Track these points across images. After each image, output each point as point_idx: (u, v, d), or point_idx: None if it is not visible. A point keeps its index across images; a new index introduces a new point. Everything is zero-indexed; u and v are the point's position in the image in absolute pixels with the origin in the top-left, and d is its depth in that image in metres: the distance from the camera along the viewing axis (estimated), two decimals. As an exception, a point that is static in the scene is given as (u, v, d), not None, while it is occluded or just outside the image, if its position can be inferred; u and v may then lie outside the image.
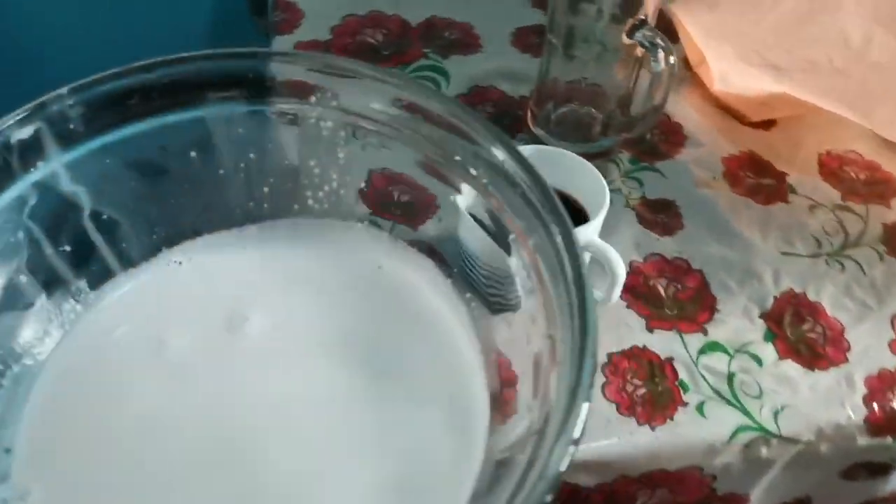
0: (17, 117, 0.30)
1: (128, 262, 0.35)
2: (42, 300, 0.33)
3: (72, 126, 0.32)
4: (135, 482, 0.32)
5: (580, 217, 0.55)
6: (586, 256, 0.54)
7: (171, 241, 0.36)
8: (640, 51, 0.60)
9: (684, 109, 0.72)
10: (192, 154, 0.35)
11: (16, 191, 0.31)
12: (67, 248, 0.33)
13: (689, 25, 0.72)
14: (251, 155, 0.36)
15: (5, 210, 0.31)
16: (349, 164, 0.37)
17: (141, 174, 0.35)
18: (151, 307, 0.36)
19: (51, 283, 0.33)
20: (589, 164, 0.54)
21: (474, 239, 0.41)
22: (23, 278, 0.32)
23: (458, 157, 0.35)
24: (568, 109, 0.67)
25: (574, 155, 0.55)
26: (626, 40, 0.60)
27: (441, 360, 0.37)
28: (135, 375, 0.34)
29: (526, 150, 0.55)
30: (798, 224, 0.63)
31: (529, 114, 0.69)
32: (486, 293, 0.41)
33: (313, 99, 0.35)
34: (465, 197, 0.39)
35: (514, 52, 0.76)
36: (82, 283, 0.33)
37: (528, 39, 0.77)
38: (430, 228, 0.44)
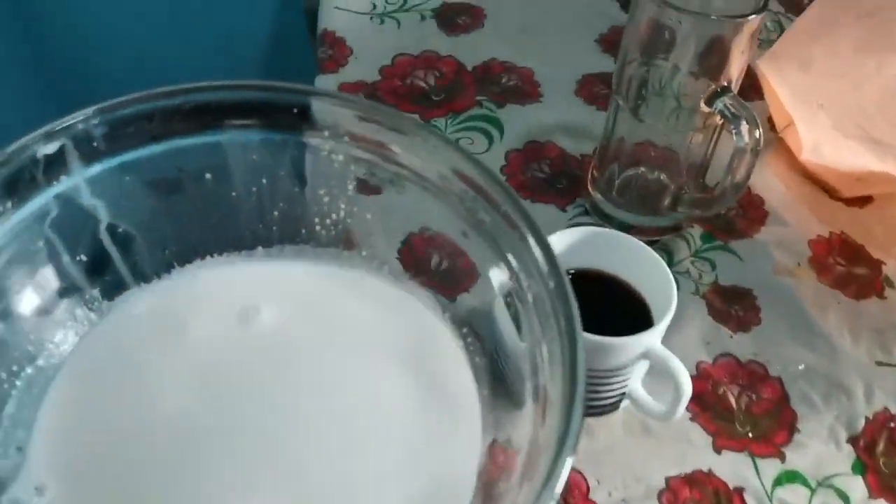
0: (45, 133, 0.33)
1: (140, 275, 0.37)
2: (57, 306, 0.34)
3: (95, 144, 0.34)
4: (154, 480, 0.33)
5: (636, 304, 0.48)
6: (645, 364, 0.46)
7: (183, 257, 0.38)
8: (719, 115, 0.53)
9: (767, 179, 0.64)
10: (207, 176, 0.37)
11: (39, 202, 0.33)
12: (83, 258, 0.35)
13: (778, 86, 0.64)
14: (263, 180, 0.37)
15: (29, 220, 0.33)
16: (357, 197, 0.39)
17: (157, 192, 0.37)
18: (168, 313, 0.37)
19: (66, 291, 0.35)
20: (656, 256, 0.47)
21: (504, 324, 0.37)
22: (41, 285, 0.34)
23: (488, 227, 0.35)
24: (634, 174, 0.60)
25: (640, 242, 0.48)
26: (705, 108, 0.52)
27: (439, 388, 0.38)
28: (153, 375, 0.35)
29: (581, 231, 0.48)
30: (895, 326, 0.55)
31: (590, 176, 0.61)
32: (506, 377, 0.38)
33: (326, 133, 0.36)
34: (498, 274, 0.37)
35: (577, 103, 0.69)
36: (96, 292, 0.35)
37: (595, 89, 0.70)
38: (466, 300, 0.41)
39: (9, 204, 0.33)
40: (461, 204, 0.36)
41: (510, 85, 0.70)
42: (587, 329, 0.43)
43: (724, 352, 0.53)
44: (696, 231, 0.60)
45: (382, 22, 0.74)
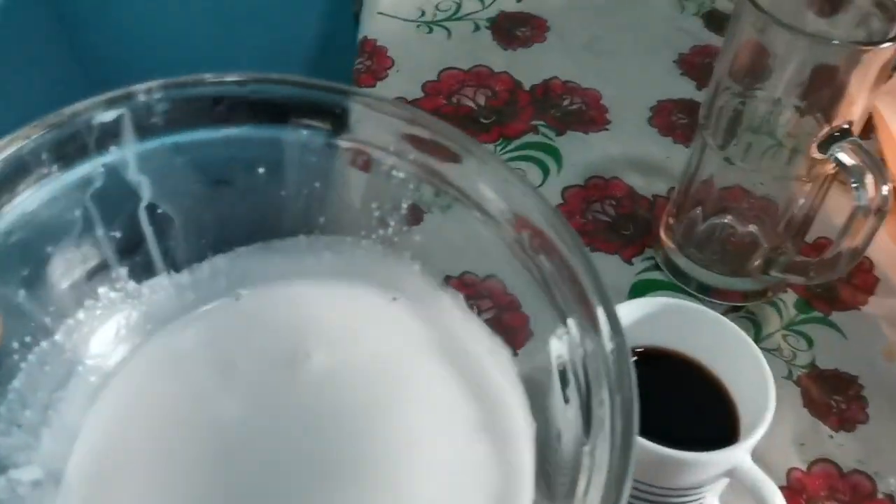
0: (106, 100, 0.32)
1: (171, 261, 0.37)
2: (82, 280, 0.34)
3: (153, 119, 0.33)
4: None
5: (717, 397, 0.38)
6: (723, 481, 0.36)
7: (218, 249, 0.37)
8: (833, 164, 0.43)
9: (877, 237, 0.53)
10: (260, 170, 0.36)
11: (86, 170, 0.33)
12: (117, 235, 0.34)
13: (894, 124, 0.53)
14: (316, 184, 0.37)
15: (71, 186, 0.32)
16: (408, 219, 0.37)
17: (206, 178, 0.37)
18: (212, 342, 0.37)
19: (94, 266, 0.34)
20: (751, 344, 0.37)
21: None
22: (68, 255, 0.33)
23: (548, 281, 0.32)
24: (719, 225, 0.50)
25: (732, 325, 0.38)
26: (816, 154, 0.42)
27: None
28: (198, 396, 0.35)
29: (654, 304, 0.39)
30: None
31: (664, 223, 0.52)
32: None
33: (392, 148, 0.35)
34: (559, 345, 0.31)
35: (651, 133, 0.60)
36: (123, 272, 0.35)
37: (672, 118, 0.60)
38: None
39: (55, 167, 0.32)
40: (521, 249, 0.33)
41: (573, 108, 0.61)
42: (655, 433, 0.34)
43: (822, 456, 0.43)
44: (788, 297, 0.50)
45: (430, 31, 0.65)
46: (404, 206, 0.37)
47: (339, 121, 0.36)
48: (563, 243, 0.31)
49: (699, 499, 0.37)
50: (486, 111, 0.60)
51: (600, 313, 0.28)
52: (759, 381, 0.36)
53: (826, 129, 0.41)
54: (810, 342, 0.48)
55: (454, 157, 0.35)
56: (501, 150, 0.57)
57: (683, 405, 0.39)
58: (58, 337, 0.33)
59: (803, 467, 0.42)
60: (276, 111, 0.35)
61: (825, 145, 0.41)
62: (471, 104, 0.60)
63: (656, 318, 0.39)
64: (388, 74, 0.62)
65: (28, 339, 0.32)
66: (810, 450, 0.43)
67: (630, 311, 0.39)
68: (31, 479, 0.31)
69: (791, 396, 0.45)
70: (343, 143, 0.36)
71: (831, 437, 0.43)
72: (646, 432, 0.34)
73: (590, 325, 0.29)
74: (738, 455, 0.34)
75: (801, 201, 0.46)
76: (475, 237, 0.35)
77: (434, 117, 0.35)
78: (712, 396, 0.38)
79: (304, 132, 0.36)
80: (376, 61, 0.63)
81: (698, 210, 0.49)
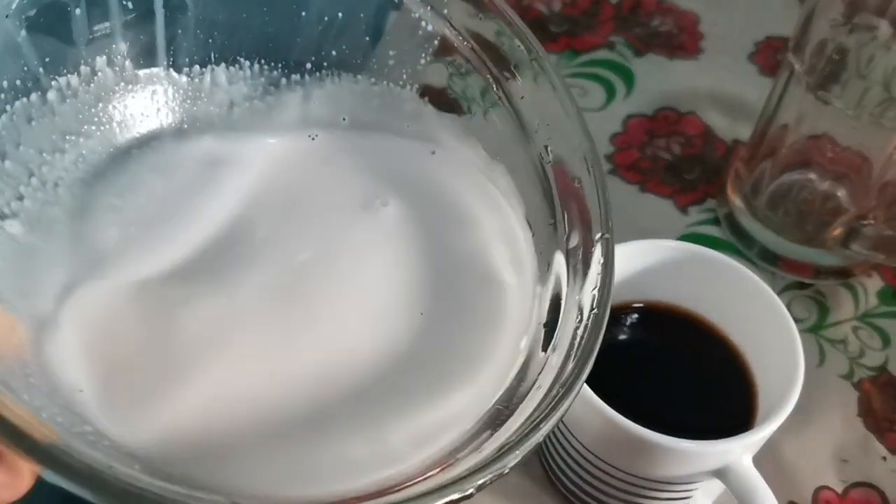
0: None
1: (174, 54, 0.36)
2: (81, 39, 0.33)
3: None
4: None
5: (736, 379, 0.30)
6: (717, 484, 0.28)
7: (224, 54, 0.37)
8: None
9: None
10: None
11: None
12: (129, 5, 0.34)
13: None
14: (339, 14, 0.36)
15: None
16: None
17: None
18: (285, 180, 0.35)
19: (98, 28, 0.33)
20: (785, 313, 0.29)
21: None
22: (77, 11, 0.32)
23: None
24: (798, 181, 0.41)
25: (767, 289, 0.30)
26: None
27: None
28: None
29: (681, 250, 0.31)
30: None
31: (733, 171, 0.43)
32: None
33: (458, 26, 0.33)
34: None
35: (749, 71, 0.50)
36: (124, 48, 0.35)
37: (780, 58, 0.51)
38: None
39: None
40: (546, 179, 0.31)
41: (661, 30, 0.52)
42: (641, 408, 0.27)
43: (867, 480, 0.34)
44: (871, 284, 0.40)
45: (515, -77, 0.57)
46: (422, 61, 0.35)
47: None
48: (590, 189, 0.28)
49: (685, 497, 0.29)
50: (558, 19, 0.52)
51: (594, 261, 0.26)
52: (790, 364, 0.28)
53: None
54: (886, 341, 0.38)
55: (512, 60, 0.32)
56: (567, 62, 0.49)
57: (689, 380, 0.31)
58: (50, 96, 0.33)
59: (838, 489, 0.34)
60: None
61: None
62: (542, 9, 0.52)
63: (675, 268, 0.31)
64: (456, -37, 0.54)
65: (18, 82, 0.32)
66: (853, 469, 0.34)
67: (640, 254, 0.31)
68: (10, 232, 0.30)
69: (845, 400, 0.36)
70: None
71: (885, 459, 0.35)
72: (627, 406, 0.27)
73: (580, 270, 0.27)
74: (733, 451, 0.26)
75: (906, 162, 0.36)
76: (506, 153, 0.32)
77: (510, 9, 0.31)
78: (728, 374, 0.30)
79: None
80: (447, -52, 0.55)
81: (771, 161, 0.40)
